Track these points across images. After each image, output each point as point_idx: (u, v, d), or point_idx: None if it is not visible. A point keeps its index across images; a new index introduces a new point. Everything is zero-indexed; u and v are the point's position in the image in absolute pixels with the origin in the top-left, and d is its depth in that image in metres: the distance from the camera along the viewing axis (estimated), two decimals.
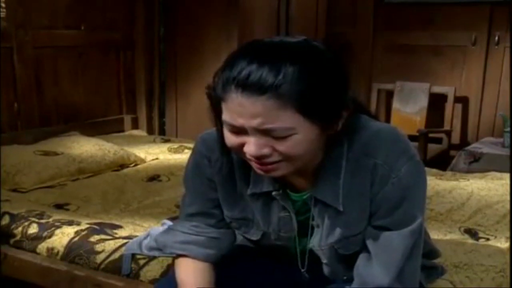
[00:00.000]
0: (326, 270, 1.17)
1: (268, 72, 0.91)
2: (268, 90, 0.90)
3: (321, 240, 1.12)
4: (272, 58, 0.93)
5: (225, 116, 0.97)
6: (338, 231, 1.09)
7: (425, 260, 1.27)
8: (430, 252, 1.29)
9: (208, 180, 1.16)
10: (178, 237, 1.21)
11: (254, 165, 1.00)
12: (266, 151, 0.96)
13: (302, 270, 1.19)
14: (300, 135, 0.94)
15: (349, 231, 1.08)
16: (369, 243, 1.07)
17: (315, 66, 0.94)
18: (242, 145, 0.98)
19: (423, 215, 1.08)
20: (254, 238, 1.19)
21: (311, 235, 1.13)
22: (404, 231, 1.04)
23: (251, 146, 0.96)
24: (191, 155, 1.20)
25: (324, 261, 1.15)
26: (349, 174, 1.05)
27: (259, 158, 0.97)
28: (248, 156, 0.98)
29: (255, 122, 0.93)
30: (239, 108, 0.93)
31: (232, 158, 1.11)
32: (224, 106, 0.96)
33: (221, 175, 1.14)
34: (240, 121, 0.94)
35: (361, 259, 1.09)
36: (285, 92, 0.91)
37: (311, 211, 1.11)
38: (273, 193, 1.10)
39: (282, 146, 0.95)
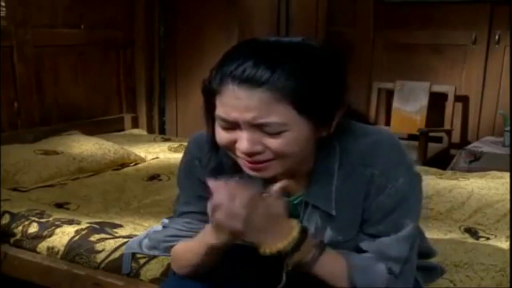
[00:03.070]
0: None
1: (264, 69, 0.92)
2: (265, 83, 0.92)
3: None
4: (269, 56, 0.94)
5: (219, 111, 0.97)
6: (327, 236, 1.08)
7: (422, 261, 1.27)
8: (427, 253, 1.30)
9: (199, 181, 1.14)
10: (170, 232, 1.21)
11: (244, 164, 0.99)
12: (258, 147, 0.95)
13: (283, 274, 1.18)
14: (293, 132, 0.94)
15: (338, 237, 1.07)
16: (363, 247, 1.06)
17: (312, 64, 0.95)
18: (234, 142, 0.97)
19: (416, 223, 1.07)
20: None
21: None
22: (392, 238, 1.03)
23: (244, 142, 0.95)
24: (183, 156, 1.19)
25: None
26: (342, 181, 1.04)
27: (251, 156, 0.96)
28: (239, 153, 0.98)
29: (249, 116, 0.93)
30: (234, 101, 0.93)
31: (222, 159, 1.10)
32: (218, 100, 0.96)
33: (210, 177, 1.13)
34: (234, 115, 0.94)
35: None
36: (281, 86, 0.92)
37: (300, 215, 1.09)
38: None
39: (274, 143, 0.95)
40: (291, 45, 0.98)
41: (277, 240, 0.98)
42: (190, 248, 1.12)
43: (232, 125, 0.96)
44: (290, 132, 0.94)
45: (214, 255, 1.07)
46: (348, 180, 1.04)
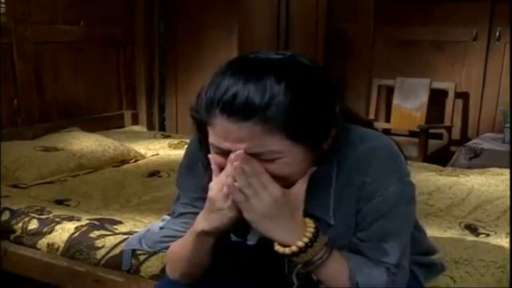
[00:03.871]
0: (314, 277, 1.16)
1: (254, 92, 0.89)
2: (255, 114, 0.89)
3: None
4: (258, 75, 0.91)
5: (212, 139, 0.96)
6: None
7: (423, 258, 1.27)
8: (428, 251, 1.30)
9: (200, 182, 1.13)
10: (168, 233, 1.21)
11: None
12: None
13: (294, 275, 1.17)
14: (288, 158, 0.94)
15: (336, 244, 1.05)
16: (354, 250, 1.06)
17: (302, 84, 0.93)
18: None
19: (407, 231, 1.06)
20: (250, 242, 1.17)
21: None
22: (381, 244, 1.02)
23: None
24: (184, 156, 1.18)
25: None
26: (340, 188, 1.03)
27: None
28: None
29: (242, 146, 0.92)
30: (225, 133, 0.92)
31: None
32: (209, 129, 0.95)
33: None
34: (226, 145, 0.93)
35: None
36: (272, 116, 0.90)
37: None
38: None
39: (270, 168, 0.94)
40: (281, 63, 0.95)
41: (293, 237, 0.96)
42: (183, 243, 1.10)
43: (226, 151, 0.95)
44: (285, 158, 0.94)
45: (205, 245, 1.04)
46: (345, 188, 1.03)
